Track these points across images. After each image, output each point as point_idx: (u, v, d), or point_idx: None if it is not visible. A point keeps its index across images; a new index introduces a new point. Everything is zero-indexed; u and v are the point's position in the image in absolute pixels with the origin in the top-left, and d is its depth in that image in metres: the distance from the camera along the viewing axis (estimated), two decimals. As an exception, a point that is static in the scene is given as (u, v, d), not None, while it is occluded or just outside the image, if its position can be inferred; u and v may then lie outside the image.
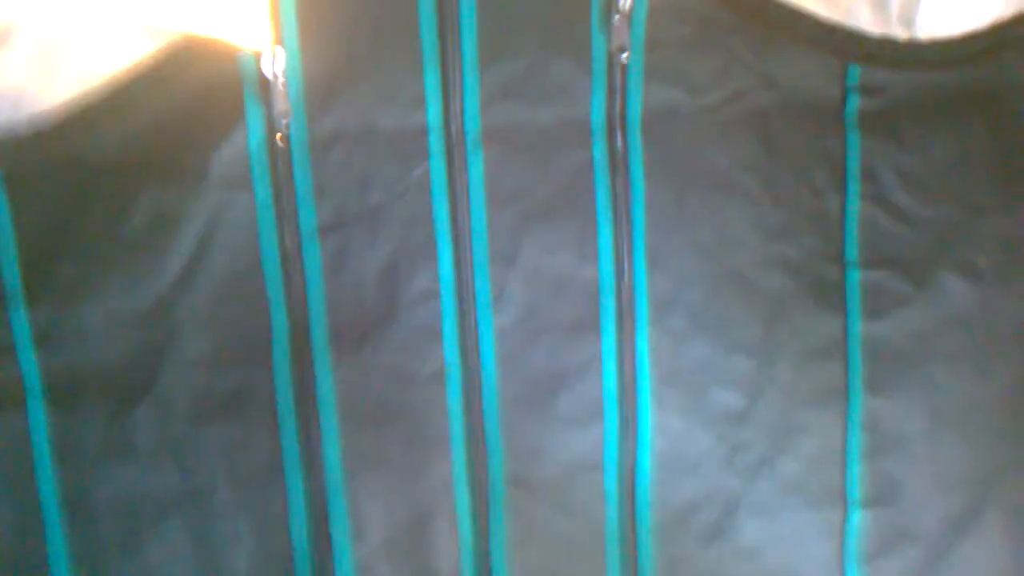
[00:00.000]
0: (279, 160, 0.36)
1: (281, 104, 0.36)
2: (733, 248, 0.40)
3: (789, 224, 0.41)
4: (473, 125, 0.38)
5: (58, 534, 0.38)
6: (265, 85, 0.36)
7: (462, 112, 0.37)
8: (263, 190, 0.37)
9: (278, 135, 0.35)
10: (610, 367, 0.40)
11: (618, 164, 0.38)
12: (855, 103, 0.39)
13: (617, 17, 0.36)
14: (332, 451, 0.38)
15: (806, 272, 0.41)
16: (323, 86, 0.37)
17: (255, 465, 0.39)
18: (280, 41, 0.36)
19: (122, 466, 0.38)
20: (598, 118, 0.38)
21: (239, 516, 0.39)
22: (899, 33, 0.39)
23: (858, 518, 0.42)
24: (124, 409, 0.38)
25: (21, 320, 0.36)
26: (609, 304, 0.39)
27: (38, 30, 0.35)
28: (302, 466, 0.38)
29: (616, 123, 0.38)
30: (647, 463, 0.41)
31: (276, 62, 0.35)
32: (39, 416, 0.37)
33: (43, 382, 0.38)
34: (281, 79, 0.35)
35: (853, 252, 0.41)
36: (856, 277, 0.41)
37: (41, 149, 0.35)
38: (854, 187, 0.40)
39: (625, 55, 0.37)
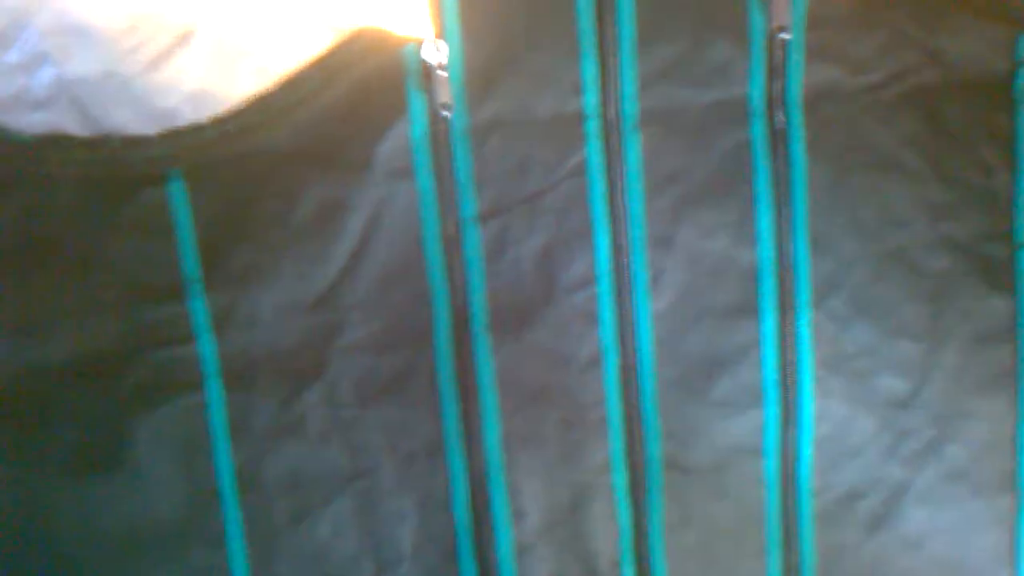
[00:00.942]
0: (441, 149, 0.40)
1: (443, 94, 0.39)
2: (897, 228, 0.41)
3: (956, 203, 0.41)
4: (630, 109, 0.40)
5: (233, 509, 0.41)
6: (428, 75, 0.39)
7: (619, 96, 0.40)
8: (425, 179, 0.40)
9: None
10: (770, 351, 0.41)
11: (778, 144, 0.40)
12: (1028, 77, 0.39)
13: (778, -4, 0.38)
14: (492, 433, 0.41)
15: (974, 252, 0.42)
16: (483, 75, 0.40)
17: (418, 445, 0.42)
18: (442, 32, 0.39)
19: (293, 446, 0.42)
20: (757, 98, 0.40)
21: (403, 495, 0.42)
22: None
23: (1031, 507, 0.40)
24: (295, 391, 0.41)
25: (200, 306, 0.40)
26: (769, 287, 0.41)
27: (217, 30, 0.39)
28: (463, 447, 0.41)
29: (776, 103, 0.40)
30: (808, 449, 0.42)
31: (439, 52, 0.38)
32: (216, 397, 0.41)
33: (220, 365, 0.41)
34: (443, 69, 0.38)
35: (1023, 231, 0.41)
36: (1028, 257, 0.39)
37: (219, 145, 0.39)
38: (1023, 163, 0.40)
39: (785, 34, 0.38)
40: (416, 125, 0.39)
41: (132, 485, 0.41)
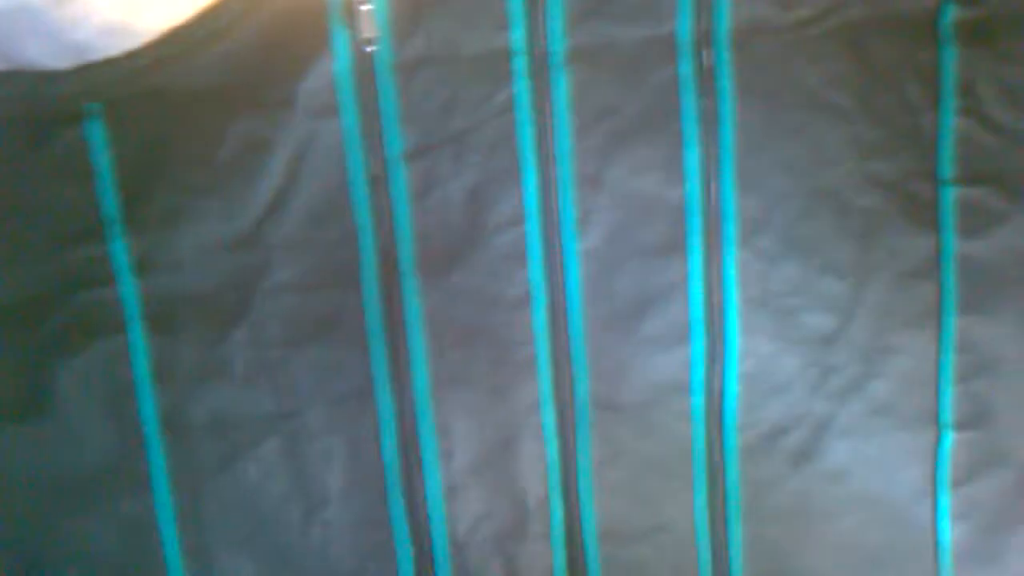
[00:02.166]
0: (366, 86, 0.42)
1: (367, 29, 0.41)
2: (825, 167, 0.44)
3: (883, 141, 0.44)
4: (558, 46, 0.42)
5: (158, 453, 0.44)
6: (351, 10, 0.41)
7: (547, 33, 0.42)
8: (350, 116, 0.42)
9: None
10: (697, 289, 0.44)
11: (705, 82, 0.43)
12: (951, 14, 0.43)
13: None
14: (420, 373, 0.44)
15: (900, 190, 0.45)
16: (408, 10, 0.41)
17: (346, 387, 0.44)
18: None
19: (218, 388, 0.44)
20: (685, 35, 0.42)
21: (331, 436, 0.45)
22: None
23: (950, 441, 0.46)
24: (220, 333, 0.44)
25: (120, 248, 0.42)
26: (696, 225, 0.44)
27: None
28: (391, 387, 0.44)
29: (704, 40, 0.42)
30: (734, 385, 0.46)
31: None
32: (139, 340, 0.43)
33: (142, 307, 0.43)
34: (366, 3, 0.40)
35: (948, 169, 0.44)
36: (951, 195, 0.45)
37: (137, 79, 0.41)
38: (949, 102, 0.44)
39: None
40: (339, 61, 0.41)
41: (56, 431, 0.43)
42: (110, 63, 0.41)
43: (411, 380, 0.44)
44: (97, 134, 0.41)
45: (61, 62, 0.41)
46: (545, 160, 0.43)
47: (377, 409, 0.44)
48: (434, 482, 0.45)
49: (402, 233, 0.43)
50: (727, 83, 0.43)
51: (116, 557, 0.44)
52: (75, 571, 0.45)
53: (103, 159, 0.42)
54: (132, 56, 0.41)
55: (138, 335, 0.43)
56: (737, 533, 0.46)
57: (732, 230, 0.44)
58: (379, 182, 0.43)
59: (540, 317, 0.44)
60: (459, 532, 0.45)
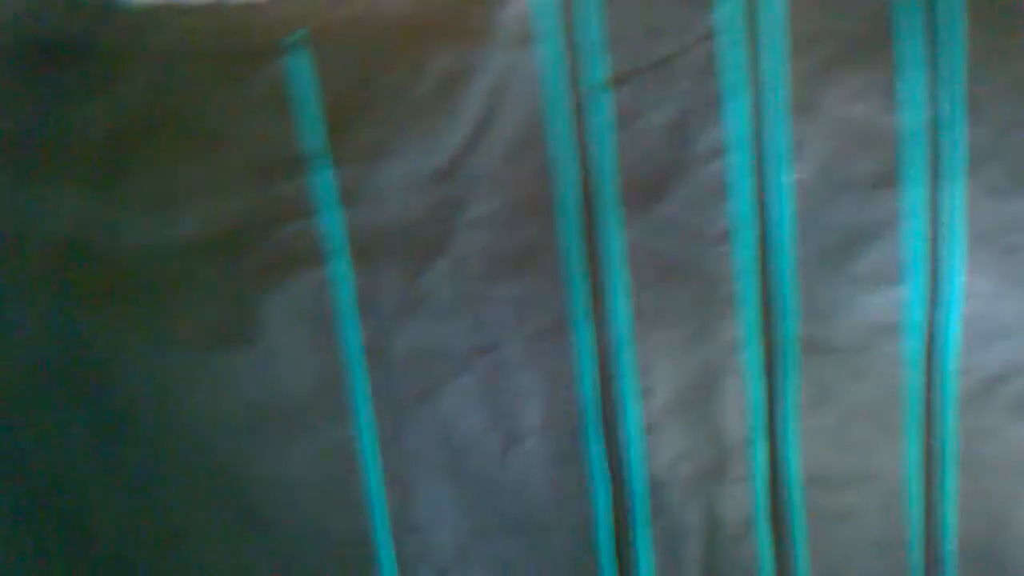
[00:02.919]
0: (567, 12, 0.42)
1: None
2: None
3: None
4: (772, -35, 0.41)
5: (361, 382, 0.46)
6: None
7: (760, -49, 0.41)
8: (551, 44, 0.43)
9: None
10: (917, 224, 0.43)
11: (928, 1, 0.41)
12: None
13: None
14: (620, 308, 0.45)
15: None
16: None
17: (545, 321, 0.45)
18: None
19: (419, 320, 0.45)
20: (911, -49, 0.41)
21: (530, 371, 0.46)
22: None
23: None
24: (420, 266, 0.45)
25: (325, 180, 0.44)
26: (918, 155, 0.43)
27: None
28: (590, 323, 0.45)
29: None
30: (954, 328, 0.44)
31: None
32: (342, 272, 0.45)
33: (345, 240, 0.45)
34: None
35: None
36: None
37: (339, 7, 0.42)
38: None
39: None
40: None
41: (261, 361, 0.46)
42: None
43: (610, 316, 0.45)
44: (301, 65, 0.42)
45: None
46: (754, 87, 0.42)
47: (576, 345, 0.45)
48: (632, 420, 0.45)
49: (603, 163, 0.43)
50: (949, 3, 0.41)
51: (319, 482, 0.47)
52: (279, 497, 0.47)
53: (307, 91, 0.43)
54: None
55: (341, 267, 0.45)
56: (951, 484, 0.45)
57: (958, 160, 0.42)
58: (580, 111, 0.43)
59: (746, 252, 0.44)
60: (657, 471, 0.45)
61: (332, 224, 0.44)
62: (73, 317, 0.43)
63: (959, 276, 0.44)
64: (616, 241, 0.44)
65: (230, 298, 0.45)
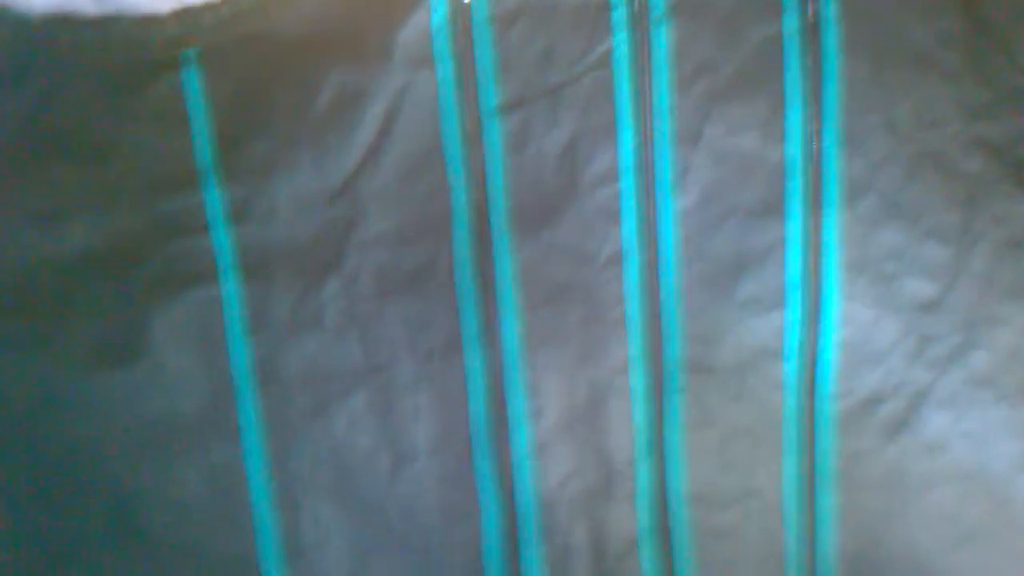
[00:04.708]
0: (462, 37, 0.44)
1: None
2: (932, 129, 0.45)
3: (992, 103, 0.45)
4: (659, -1, 0.44)
5: (250, 403, 0.46)
6: (450, -41, 0.42)
7: (648, -15, 0.43)
8: (446, 68, 0.44)
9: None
10: (795, 252, 0.46)
11: (811, 38, 0.44)
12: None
13: None
14: (511, 329, 0.46)
15: (1009, 155, 0.45)
16: None
17: (436, 341, 0.46)
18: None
19: (310, 339, 0.46)
20: (791, -11, 0.43)
21: (420, 390, 0.47)
22: None
23: (1053, 416, 0.44)
24: (312, 284, 0.46)
25: (215, 197, 0.45)
26: (796, 186, 0.45)
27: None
28: (481, 342, 0.46)
29: None
30: (830, 352, 0.47)
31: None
32: (233, 289, 0.45)
33: (236, 257, 0.45)
34: (466, -47, 0.42)
35: (1061, 134, 0.43)
36: (1063, 160, 0.43)
37: (235, 24, 0.43)
38: (1063, 64, 0.43)
39: None
40: (437, 11, 0.43)
41: (149, 379, 0.46)
42: (209, 7, 0.42)
43: (501, 337, 0.46)
44: (194, 81, 0.43)
45: (159, 4, 0.42)
46: (643, 116, 0.44)
47: (466, 365, 0.46)
48: (522, 440, 0.47)
49: (495, 188, 0.45)
50: (832, 40, 0.43)
51: (205, 504, 0.47)
52: (164, 517, 0.47)
53: (199, 106, 0.43)
54: (232, 0, 0.41)
55: (232, 284, 0.45)
56: (827, 502, 0.47)
57: (834, 191, 0.44)
58: (474, 135, 0.44)
59: (633, 276, 0.46)
60: (546, 491, 0.47)
61: (222, 240, 0.44)
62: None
63: (836, 303, 0.45)
64: (508, 263, 0.45)
65: (116, 315, 0.45)
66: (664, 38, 0.43)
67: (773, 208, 0.45)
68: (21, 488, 0.44)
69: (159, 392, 0.46)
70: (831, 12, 0.44)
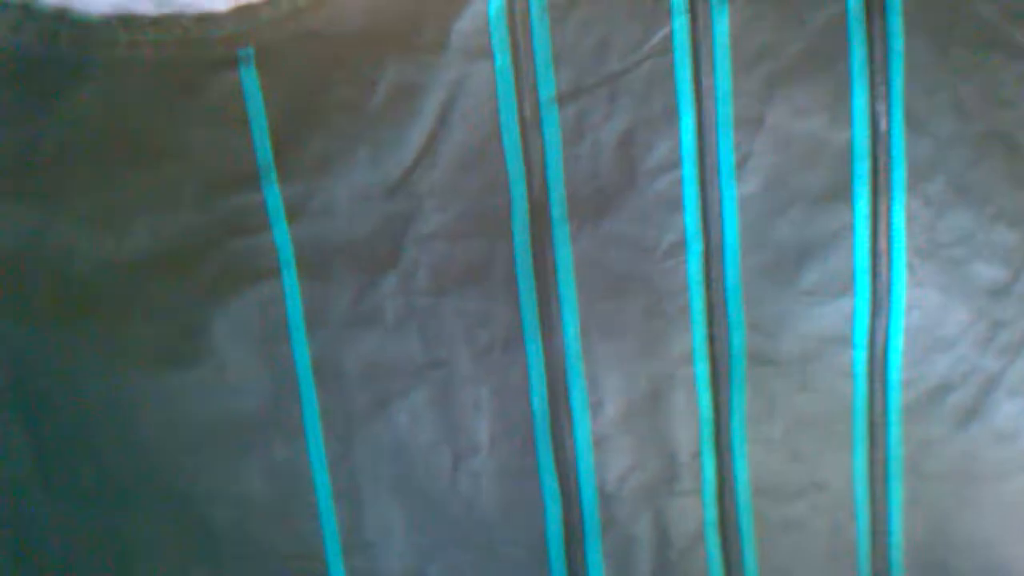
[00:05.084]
0: (519, 26, 0.43)
1: None
2: (999, 108, 0.44)
3: None
4: (719, -19, 0.43)
5: (311, 400, 0.46)
6: (506, -51, 0.42)
7: (707, -32, 0.43)
8: (503, 58, 0.44)
9: None
10: (862, 237, 0.45)
11: (875, 17, 0.43)
12: None
13: None
14: (570, 322, 0.46)
15: None
16: None
17: (495, 335, 0.46)
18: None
19: (369, 335, 0.46)
20: (854, -31, 0.43)
21: (480, 385, 0.47)
22: None
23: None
24: (370, 280, 0.46)
25: (274, 194, 0.45)
26: (863, 170, 0.44)
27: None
28: (541, 336, 0.46)
29: None
30: (898, 339, 0.46)
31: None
32: (292, 286, 0.45)
33: (295, 254, 0.45)
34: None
35: None
36: None
37: (292, 21, 0.43)
38: None
39: None
40: (493, 2, 0.42)
41: (212, 377, 0.46)
42: (268, 3, 0.42)
43: (561, 329, 0.46)
44: (251, 79, 0.43)
45: (218, 3, 0.42)
46: (702, 102, 0.43)
47: (526, 358, 0.46)
48: (583, 433, 0.46)
49: (553, 178, 0.44)
50: (897, 19, 0.43)
51: (269, 501, 0.47)
52: (229, 514, 0.47)
53: (257, 103, 0.43)
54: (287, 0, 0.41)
55: (291, 281, 0.45)
56: (897, 493, 0.46)
57: (901, 175, 0.43)
58: (531, 126, 0.44)
59: (694, 266, 0.45)
60: (607, 484, 0.46)
61: (281, 238, 0.45)
62: (20, 335, 0.43)
63: (902, 288, 0.44)
64: (565, 255, 0.45)
65: (180, 314, 0.45)
66: (724, 22, 0.43)
67: (839, 193, 0.45)
68: (90, 488, 0.45)
69: (222, 390, 0.46)
70: (895, -9, 0.41)
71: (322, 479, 0.45)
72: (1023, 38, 0.43)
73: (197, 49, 0.42)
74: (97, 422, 0.46)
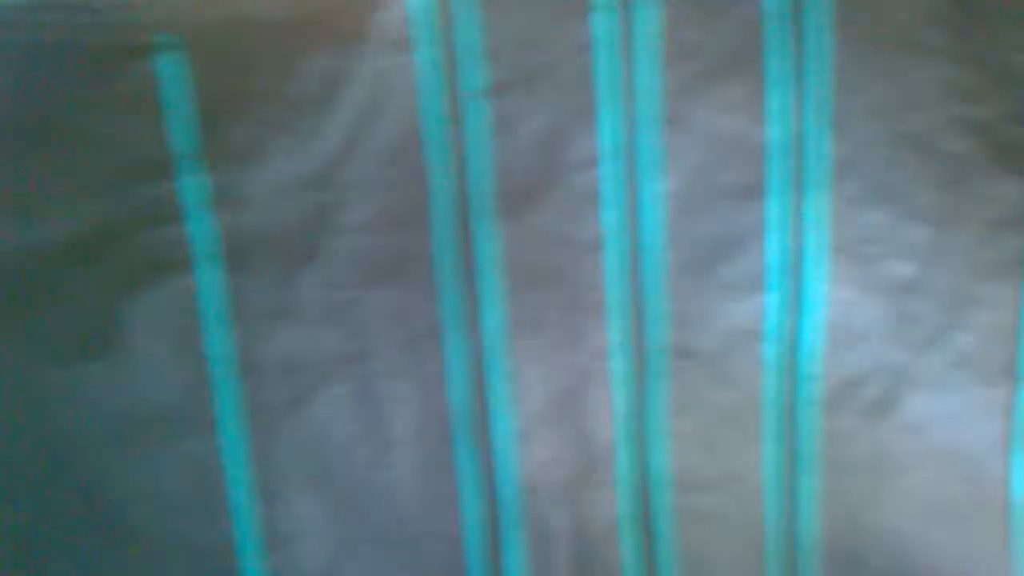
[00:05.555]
0: (444, 18, 0.43)
1: None
2: (916, 110, 0.45)
3: (976, 85, 0.45)
4: (643, -22, 0.43)
5: (227, 393, 0.46)
6: (429, -62, 0.41)
7: (632, -36, 0.43)
8: (427, 51, 0.43)
9: None
10: (781, 234, 0.46)
11: (793, 18, 0.43)
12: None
13: None
14: (492, 315, 0.46)
15: (992, 135, 0.45)
16: None
17: (416, 329, 0.46)
18: None
19: (288, 329, 0.46)
20: (776, -32, 0.43)
21: (400, 379, 0.46)
22: None
23: (1028, 396, 0.45)
24: (290, 273, 0.45)
25: (191, 185, 0.44)
26: (778, 168, 0.45)
27: None
28: (462, 330, 0.46)
29: None
30: (810, 334, 0.47)
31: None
32: (208, 279, 0.45)
33: (212, 246, 0.44)
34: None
35: (1042, 114, 0.43)
36: (1048, 141, 0.43)
37: (213, 7, 0.42)
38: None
39: None
40: (414, -7, 0.42)
41: (124, 369, 0.45)
42: None
43: (482, 323, 0.46)
44: (171, 65, 0.42)
45: None
46: (625, 98, 0.43)
47: (446, 352, 0.46)
48: (503, 427, 0.46)
49: (477, 172, 0.44)
50: (817, 20, 0.43)
51: (182, 496, 0.46)
52: (141, 509, 0.46)
53: (178, 91, 0.42)
54: None
55: (207, 274, 0.45)
56: (808, 485, 0.47)
57: (816, 173, 0.44)
58: (455, 119, 0.43)
59: (617, 260, 0.45)
60: (527, 477, 0.47)
61: (200, 229, 0.44)
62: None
63: (819, 284, 0.46)
64: (489, 248, 0.45)
65: (91, 305, 0.44)
66: (648, 20, 0.43)
67: (755, 190, 0.45)
68: (-4, 483, 0.44)
69: (134, 383, 0.46)
70: (815, -9, 0.42)
71: (239, 474, 0.45)
72: (939, 43, 0.44)
73: (108, 35, 0.41)
74: (6, 414, 0.45)
